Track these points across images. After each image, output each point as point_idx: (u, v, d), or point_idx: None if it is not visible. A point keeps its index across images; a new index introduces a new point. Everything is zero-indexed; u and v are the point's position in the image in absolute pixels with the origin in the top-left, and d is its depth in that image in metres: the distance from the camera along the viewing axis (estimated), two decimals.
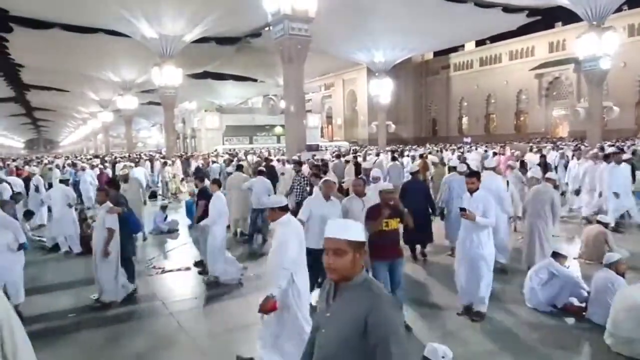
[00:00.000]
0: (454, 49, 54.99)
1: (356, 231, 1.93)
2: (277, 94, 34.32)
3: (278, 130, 47.20)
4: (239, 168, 11.22)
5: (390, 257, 4.92)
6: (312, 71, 38.90)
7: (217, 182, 7.41)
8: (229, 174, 12.19)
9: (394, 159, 15.81)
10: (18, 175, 14.70)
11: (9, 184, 10.91)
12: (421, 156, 16.14)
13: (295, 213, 9.44)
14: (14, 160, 29.68)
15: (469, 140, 41.30)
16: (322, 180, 5.83)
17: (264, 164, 14.40)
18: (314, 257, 5.36)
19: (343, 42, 35.84)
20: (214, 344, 4.90)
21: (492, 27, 36.67)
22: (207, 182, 7.86)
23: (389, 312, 1.82)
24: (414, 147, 34.10)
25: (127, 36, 29.65)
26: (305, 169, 11.71)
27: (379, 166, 14.49)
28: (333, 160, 16.28)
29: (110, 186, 7.07)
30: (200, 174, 9.47)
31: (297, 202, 9.44)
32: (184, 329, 5.28)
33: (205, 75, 45.44)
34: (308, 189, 9.42)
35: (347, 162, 14.56)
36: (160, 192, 17.75)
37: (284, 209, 4.33)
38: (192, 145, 51.61)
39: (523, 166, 10.87)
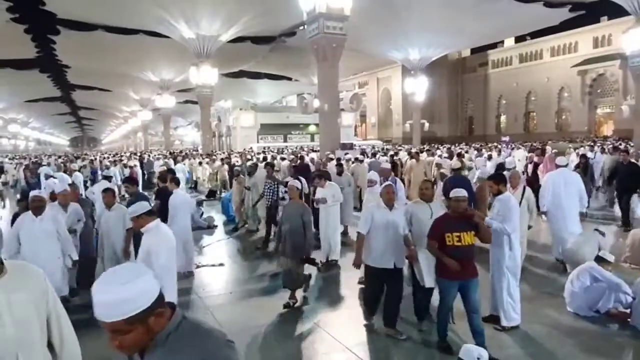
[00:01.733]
0: (493, 46, 53.70)
1: (135, 299, 1.35)
2: (310, 93, 34.40)
3: (312, 128, 47.37)
4: (269, 165, 10.57)
5: (462, 276, 4.20)
6: (346, 69, 38.85)
7: (175, 180, 7.39)
8: (239, 172, 11.87)
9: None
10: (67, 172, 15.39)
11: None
12: (459, 155, 15.83)
13: (272, 218, 8.95)
14: (59, 157, 30.99)
15: (507, 139, 40.15)
16: (383, 186, 5.14)
17: (297, 162, 14.41)
18: (378, 277, 4.80)
19: (378, 40, 35.59)
20: (247, 338, 4.98)
21: (533, 23, 35.60)
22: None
23: (227, 355, 1.45)
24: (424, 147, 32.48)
25: (166, 37, 30.55)
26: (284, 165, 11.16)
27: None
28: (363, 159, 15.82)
29: (130, 183, 7.38)
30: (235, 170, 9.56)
31: (267, 207, 9.04)
32: (218, 322, 5.39)
33: (240, 74, 46.27)
34: (281, 194, 8.81)
35: (356, 160, 13.88)
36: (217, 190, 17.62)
37: (151, 214, 3.96)
38: (227, 143, 52.43)
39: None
